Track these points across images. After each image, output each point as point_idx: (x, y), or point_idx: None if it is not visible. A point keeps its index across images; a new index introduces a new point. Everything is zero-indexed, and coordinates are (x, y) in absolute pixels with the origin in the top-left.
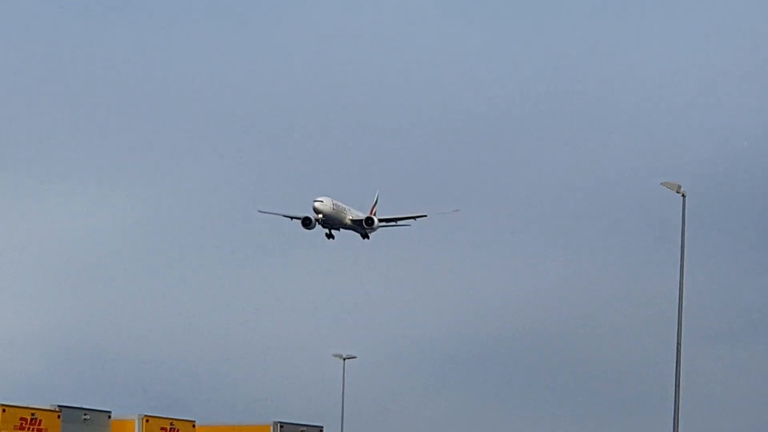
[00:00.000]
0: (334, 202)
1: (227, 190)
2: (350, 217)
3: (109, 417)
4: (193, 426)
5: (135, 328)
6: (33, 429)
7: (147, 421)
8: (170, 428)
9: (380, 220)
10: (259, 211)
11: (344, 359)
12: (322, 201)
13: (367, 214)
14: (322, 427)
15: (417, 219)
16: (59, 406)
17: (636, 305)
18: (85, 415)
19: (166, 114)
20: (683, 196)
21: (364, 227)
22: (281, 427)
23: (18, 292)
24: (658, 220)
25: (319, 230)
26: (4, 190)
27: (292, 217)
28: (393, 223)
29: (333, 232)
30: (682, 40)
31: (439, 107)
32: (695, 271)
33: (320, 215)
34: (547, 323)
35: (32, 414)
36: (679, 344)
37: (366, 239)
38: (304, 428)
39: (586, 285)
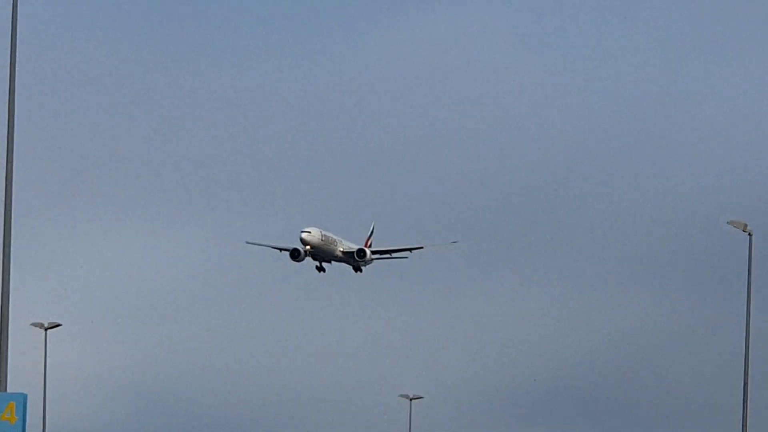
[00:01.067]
0: (324, 233)
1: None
2: (341, 249)
3: None
4: None
5: (200, 370)
6: None
7: None
8: None
9: (374, 252)
10: (247, 242)
11: (411, 399)
12: (309, 232)
13: (360, 246)
14: None
15: (413, 251)
16: None
17: (703, 343)
18: None
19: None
20: (750, 234)
21: (356, 259)
22: None
23: (90, 331)
24: (725, 259)
25: (309, 263)
26: (75, 232)
27: (281, 249)
28: (387, 255)
29: (324, 264)
30: (750, 79)
31: (503, 142)
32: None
33: (308, 247)
34: (616, 362)
35: None
36: (746, 384)
37: (359, 272)
38: None
39: (653, 324)
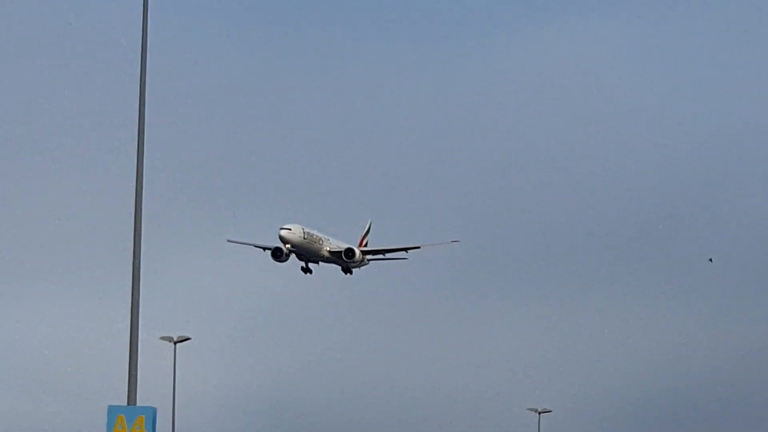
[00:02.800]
0: (306, 230)
1: None
2: (328, 248)
3: None
4: None
5: (328, 384)
6: None
7: None
8: None
9: (365, 252)
10: (228, 240)
11: (539, 413)
12: (289, 229)
13: (348, 245)
14: None
15: (408, 251)
16: None
17: None
18: None
19: None
20: None
21: (344, 260)
22: None
23: (219, 345)
24: None
25: (294, 263)
26: (204, 246)
27: (264, 248)
28: (381, 255)
29: (311, 265)
30: None
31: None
32: None
33: (287, 245)
34: (744, 375)
35: None
36: None
37: (348, 274)
38: None
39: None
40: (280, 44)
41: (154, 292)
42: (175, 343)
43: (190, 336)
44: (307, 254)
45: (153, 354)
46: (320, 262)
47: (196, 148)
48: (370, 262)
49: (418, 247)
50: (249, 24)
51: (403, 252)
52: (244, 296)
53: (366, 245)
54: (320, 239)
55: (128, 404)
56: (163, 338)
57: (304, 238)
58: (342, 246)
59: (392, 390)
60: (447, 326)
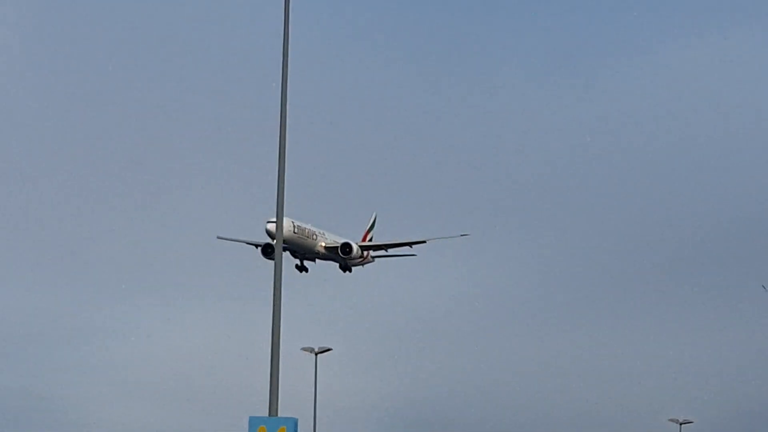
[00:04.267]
0: (297, 223)
1: None
2: (323, 244)
3: None
4: None
5: (470, 394)
6: None
7: None
8: None
9: (366, 248)
10: (218, 237)
11: (680, 424)
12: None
13: (345, 240)
14: None
15: (413, 245)
16: None
17: None
18: None
19: None
20: None
21: (340, 256)
22: None
23: (360, 356)
24: None
25: (287, 261)
26: None
27: (256, 245)
28: (384, 251)
29: (306, 263)
30: None
31: None
32: None
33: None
34: None
35: None
36: None
37: (347, 272)
38: None
39: None
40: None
41: (296, 304)
42: (316, 353)
43: (330, 347)
44: (301, 250)
45: (294, 365)
46: (317, 260)
47: (332, 157)
48: (375, 259)
49: (424, 242)
50: None
51: (408, 247)
52: (385, 307)
53: (371, 240)
54: (314, 233)
55: (269, 415)
56: (304, 349)
57: (295, 232)
58: (338, 241)
59: (534, 401)
60: (586, 338)
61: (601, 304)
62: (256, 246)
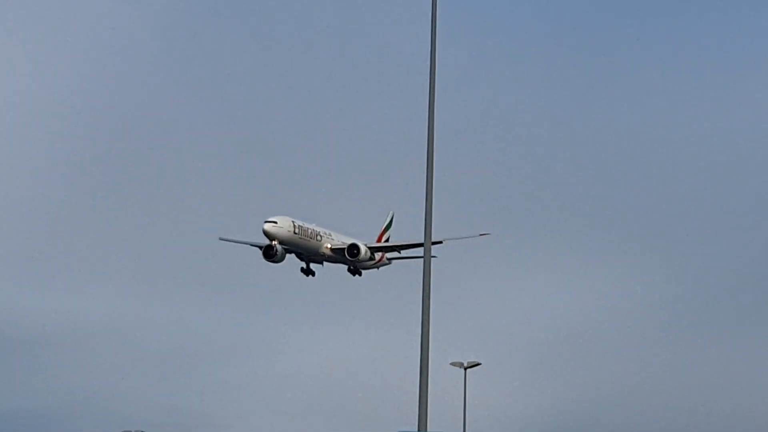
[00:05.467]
0: (298, 223)
1: None
2: (329, 245)
3: None
4: None
5: (630, 408)
6: None
7: None
8: None
9: (376, 249)
10: (220, 239)
11: None
12: (275, 222)
13: (353, 240)
14: None
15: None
16: None
17: None
18: None
19: None
20: None
21: (348, 258)
22: None
23: (510, 371)
24: None
25: (292, 263)
26: (493, 272)
27: (260, 246)
28: (397, 252)
29: (312, 266)
30: None
31: None
32: None
33: (274, 241)
34: None
35: None
36: None
37: (357, 275)
38: None
39: None
40: None
41: (445, 318)
42: (465, 368)
43: (480, 361)
44: (306, 252)
45: (443, 379)
46: (324, 262)
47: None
48: (392, 261)
49: (440, 242)
50: None
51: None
52: (534, 321)
53: (387, 241)
54: (318, 234)
55: (418, 429)
56: (453, 364)
57: (295, 233)
58: (346, 241)
59: (682, 413)
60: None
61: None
62: (261, 248)
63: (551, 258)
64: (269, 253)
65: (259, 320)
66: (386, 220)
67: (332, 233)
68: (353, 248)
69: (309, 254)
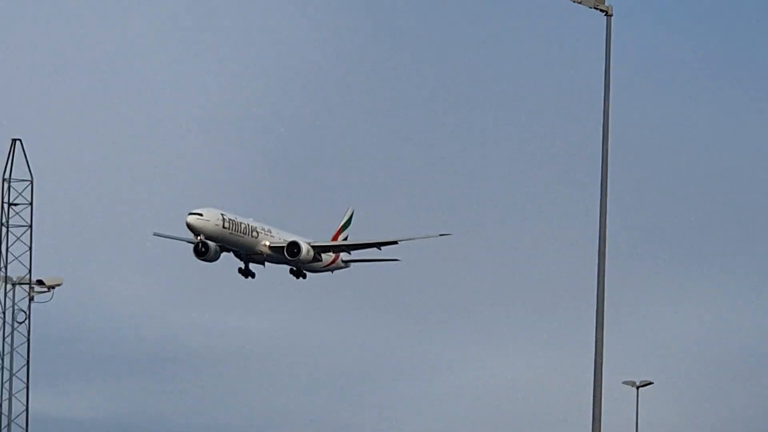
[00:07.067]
0: (228, 216)
1: None
2: (267, 243)
3: None
4: None
5: None
6: None
7: None
8: None
9: (320, 248)
10: (155, 234)
11: None
12: (200, 215)
13: (294, 238)
14: None
15: (381, 247)
16: None
17: None
18: None
19: None
20: None
21: (287, 257)
22: None
23: (682, 390)
24: None
25: (229, 262)
26: (668, 290)
27: (191, 242)
28: (347, 252)
29: (253, 266)
30: None
31: None
32: None
33: (200, 236)
34: None
35: None
36: None
37: (301, 278)
38: None
39: None
40: None
41: (618, 337)
42: (637, 387)
43: (652, 380)
44: (240, 250)
45: (616, 398)
46: (266, 263)
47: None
48: (351, 265)
49: (395, 243)
50: None
51: (377, 248)
52: (706, 339)
53: (346, 239)
54: (254, 230)
55: None
56: (625, 383)
57: (224, 227)
58: (286, 239)
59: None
60: None
61: None
62: (191, 243)
63: (722, 273)
64: (199, 250)
65: (428, 337)
66: (344, 217)
67: (272, 230)
68: (293, 247)
69: (245, 252)
